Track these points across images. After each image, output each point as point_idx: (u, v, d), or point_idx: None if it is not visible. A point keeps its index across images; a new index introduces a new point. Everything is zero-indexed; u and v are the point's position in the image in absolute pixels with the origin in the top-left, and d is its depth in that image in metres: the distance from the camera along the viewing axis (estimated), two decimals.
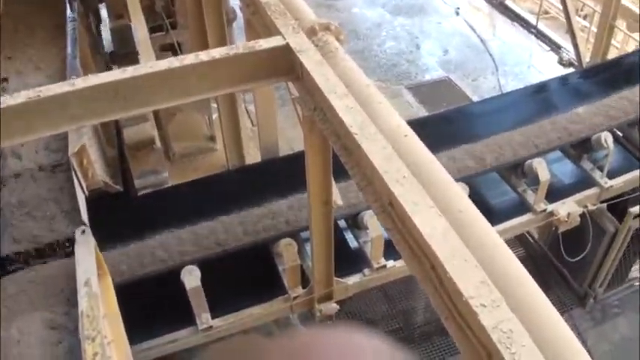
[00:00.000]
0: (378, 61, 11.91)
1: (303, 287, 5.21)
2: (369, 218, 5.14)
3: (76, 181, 3.65)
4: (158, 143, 5.79)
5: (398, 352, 0.90)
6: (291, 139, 8.80)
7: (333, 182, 3.94)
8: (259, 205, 5.28)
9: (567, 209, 6.19)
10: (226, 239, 5.04)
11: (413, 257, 2.19)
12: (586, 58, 11.12)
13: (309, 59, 3.03)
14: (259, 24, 3.74)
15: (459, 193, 2.35)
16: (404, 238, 2.23)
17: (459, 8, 13.78)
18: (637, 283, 8.15)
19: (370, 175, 2.43)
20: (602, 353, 7.59)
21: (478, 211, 2.28)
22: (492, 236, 2.15)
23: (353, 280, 5.33)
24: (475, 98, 10.61)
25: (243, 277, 5.42)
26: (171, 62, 2.99)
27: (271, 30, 3.39)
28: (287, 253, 4.99)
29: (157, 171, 5.71)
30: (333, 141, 2.83)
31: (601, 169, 6.57)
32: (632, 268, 7.98)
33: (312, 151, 3.53)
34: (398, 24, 13.21)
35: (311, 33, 3.26)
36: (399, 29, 13.04)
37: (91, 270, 2.93)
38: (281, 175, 5.57)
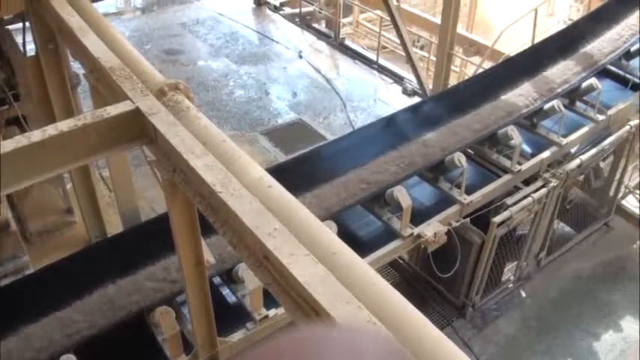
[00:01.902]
0: (230, 111, 11.94)
1: (187, 353, 5.02)
2: (244, 271, 5.07)
3: None
4: (13, 225, 5.45)
5: (403, 350, 0.88)
6: (151, 199, 8.58)
7: (203, 241, 3.85)
8: (128, 275, 5.06)
9: (433, 229, 6.41)
10: (96, 320, 4.77)
11: (296, 307, 2.17)
12: (429, 86, 11.74)
13: (162, 121, 2.96)
14: (106, 89, 3.62)
15: (330, 235, 2.36)
16: (284, 290, 2.20)
17: (301, 52, 14.14)
18: (511, 285, 8.56)
19: (241, 232, 2.39)
20: (490, 356, 7.88)
21: (350, 250, 2.29)
22: (369, 273, 2.17)
23: (237, 336, 5.20)
24: (329, 136, 10.86)
25: (123, 355, 5.14)
26: (17, 141, 2.81)
27: (119, 95, 3.29)
28: (164, 321, 4.78)
29: (16, 256, 5.37)
30: (197, 201, 2.76)
31: (459, 186, 6.89)
32: (505, 270, 8.39)
33: (177, 214, 3.44)
34: (244, 72, 13.34)
35: (160, 94, 3.20)
36: (246, 77, 13.17)
37: None
38: (145, 241, 5.36)
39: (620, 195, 9.75)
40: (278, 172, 5.54)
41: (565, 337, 8.10)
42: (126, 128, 3.09)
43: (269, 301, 5.26)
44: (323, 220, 5.54)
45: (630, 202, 10.60)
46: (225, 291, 5.51)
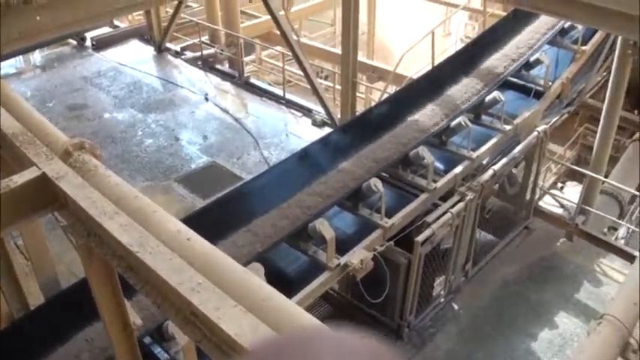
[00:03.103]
0: (141, 161, 11.70)
1: None
2: (174, 327, 4.93)
3: None
4: None
5: (394, 354, 0.86)
6: (70, 262, 8.24)
7: (127, 302, 3.72)
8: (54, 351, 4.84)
9: (359, 257, 6.44)
10: None
11: None
12: (338, 115, 11.88)
13: (70, 184, 2.86)
14: (10, 157, 3.48)
15: (257, 281, 2.31)
16: (216, 345, 2.14)
17: (207, 94, 14.05)
18: (442, 300, 8.65)
19: (164, 290, 2.31)
20: None
21: (279, 294, 2.25)
22: (301, 316, 2.14)
23: None
24: (245, 175, 10.78)
25: None
26: None
27: (24, 161, 3.16)
28: None
29: None
30: (116, 264, 2.67)
31: (379, 211, 6.95)
32: (435, 286, 8.48)
33: (96, 278, 3.30)
34: (152, 121, 13.13)
35: (66, 156, 3.09)
36: (155, 125, 12.96)
37: None
38: (68, 311, 5.15)
39: (536, 197, 10.07)
40: (196, 220, 5.48)
41: (503, 343, 8.23)
42: (34, 196, 2.97)
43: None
44: (248, 262, 5.49)
45: (547, 202, 11.00)
46: (157, 350, 5.33)
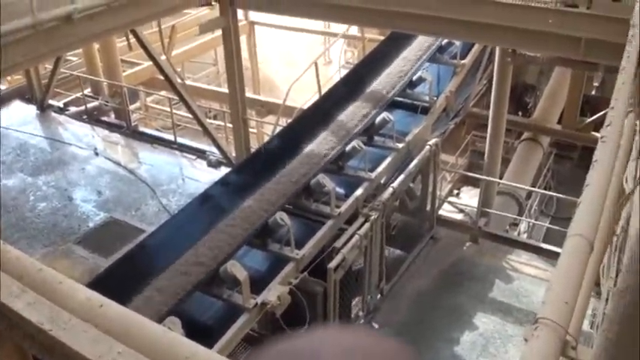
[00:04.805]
0: (37, 227, 11.22)
1: None
2: None
3: None
4: None
5: (409, 353, 0.85)
6: None
7: None
8: None
9: (275, 293, 6.41)
10: None
11: None
12: (232, 153, 11.84)
13: None
14: None
15: (177, 338, 2.26)
16: None
17: (96, 148, 13.68)
18: (362, 321, 8.71)
19: None
20: None
21: (202, 348, 2.21)
22: None
23: None
24: (145, 227, 10.52)
25: None
26: None
27: None
28: None
29: None
30: (28, 346, 2.54)
31: (288, 244, 6.96)
32: (352, 307, 8.53)
33: None
34: (43, 183, 12.64)
35: None
36: (46, 188, 12.48)
37: None
38: None
39: (437, 207, 10.38)
40: (103, 282, 5.32)
41: (427, 352, 8.33)
42: None
43: None
44: (164, 318, 5.36)
45: (448, 210, 11.35)
46: None
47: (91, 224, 11.16)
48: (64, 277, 2.68)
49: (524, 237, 12.03)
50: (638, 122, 4.46)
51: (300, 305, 7.16)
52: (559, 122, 12.92)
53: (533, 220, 12.61)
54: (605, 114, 2.59)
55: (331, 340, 0.85)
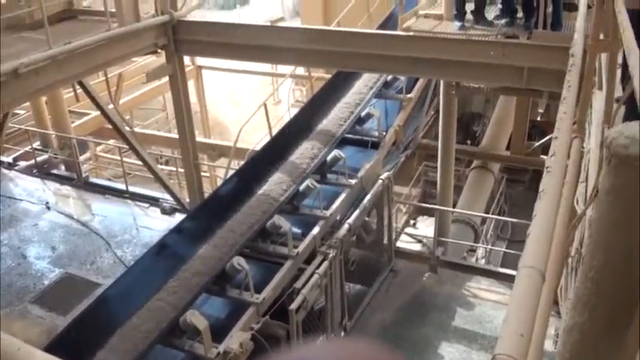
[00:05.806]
0: None
1: None
2: None
3: None
4: None
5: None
6: None
7: None
8: None
9: (237, 340, 6.33)
10: None
11: None
12: (186, 199, 11.75)
13: None
14: None
15: None
16: None
17: (48, 202, 13.42)
18: None
19: None
20: None
21: None
22: None
23: None
24: (102, 280, 10.30)
25: None
26: None
27: None
28: None
29: None
30: None
31: (247, 289, 6.90)
32: None
33: None
34: None
35: None
36: None
37: None
38: None
39: (394, 239, 10.43)
40: (61, 343, 5.19)
41: None
42: None
43: None
44: None
45: (406, 241, 11.41)
46: None
47: (46, 282, 10.88)
48: (21, 343, 2.62)
49: (482, 263, 12.16)
50: (584, 146, 4.59)
51: (264, 351, 7.08)
52: (507, 148, 13.18)
53: (489, 246, 12.76)
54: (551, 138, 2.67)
55: (328, 350, 0.87)
